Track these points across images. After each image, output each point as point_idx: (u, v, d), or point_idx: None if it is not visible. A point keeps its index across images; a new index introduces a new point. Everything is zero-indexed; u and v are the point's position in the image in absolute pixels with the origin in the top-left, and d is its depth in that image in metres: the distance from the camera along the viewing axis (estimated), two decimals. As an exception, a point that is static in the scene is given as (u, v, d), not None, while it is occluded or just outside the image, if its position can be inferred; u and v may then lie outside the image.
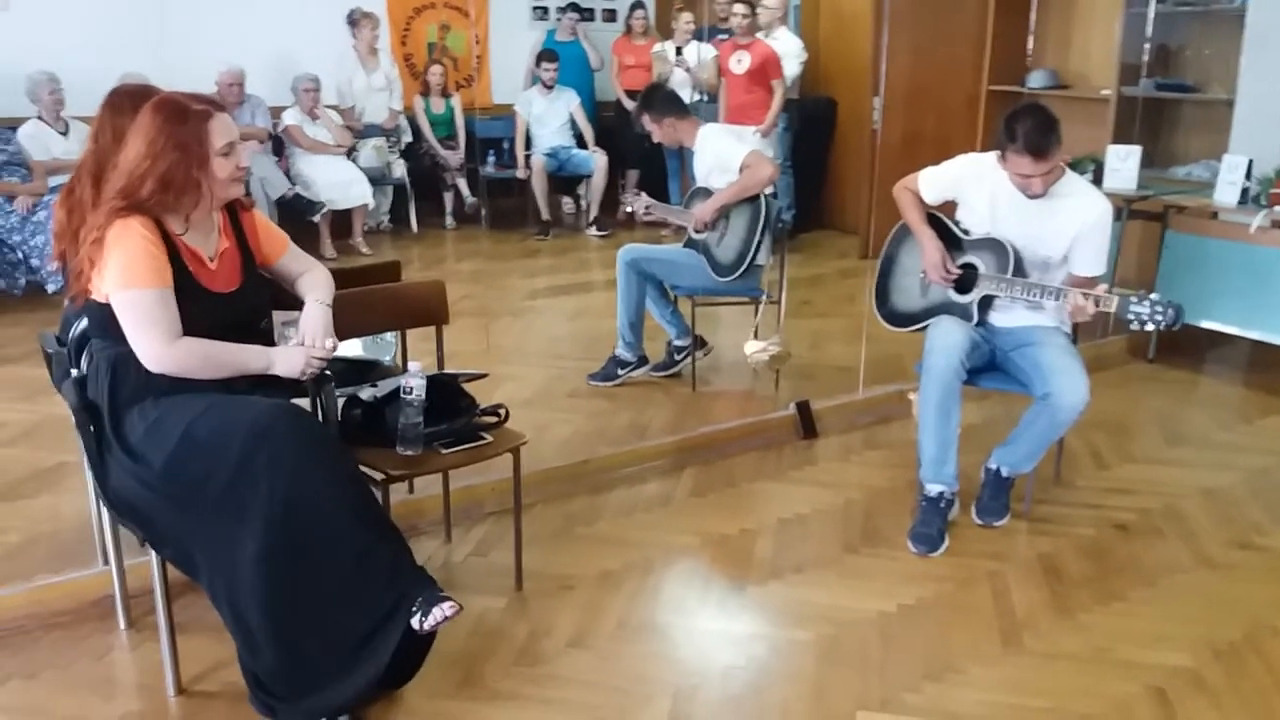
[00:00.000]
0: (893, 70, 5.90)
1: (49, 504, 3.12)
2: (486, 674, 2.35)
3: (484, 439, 2.55)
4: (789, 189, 6.77)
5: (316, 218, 6.17)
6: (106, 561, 2.55)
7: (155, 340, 2.10)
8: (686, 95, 6.46)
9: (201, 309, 2.18)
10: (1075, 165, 4.39)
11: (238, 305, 2.28)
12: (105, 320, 2.14)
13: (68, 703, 2.25)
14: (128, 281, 2.09)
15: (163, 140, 2.11)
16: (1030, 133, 2.78)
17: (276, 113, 6.43)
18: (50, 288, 4.92)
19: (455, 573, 2.78)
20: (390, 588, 2.10)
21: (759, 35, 6.41)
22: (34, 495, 3.18)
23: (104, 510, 2.40)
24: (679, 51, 7.01)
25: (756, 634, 2.54)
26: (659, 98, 4.16)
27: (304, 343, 2.28)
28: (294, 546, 2.03)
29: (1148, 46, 5.29)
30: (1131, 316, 2.74)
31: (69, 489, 3.15)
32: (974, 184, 3.08)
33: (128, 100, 2.44)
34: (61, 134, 5.29)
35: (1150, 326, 2.74)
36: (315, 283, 2.42)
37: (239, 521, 2.02)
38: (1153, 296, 2.73)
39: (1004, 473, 3.09)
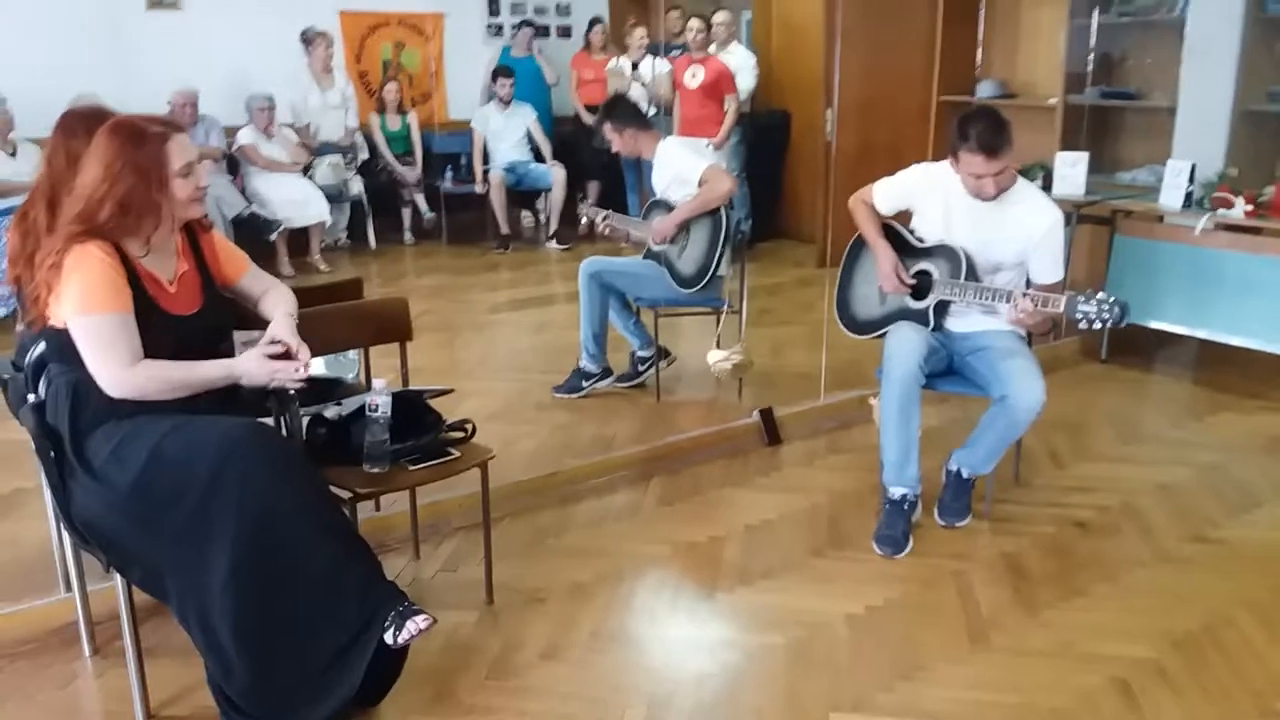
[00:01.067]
0: (845, 82, 5.98)
1: (7, 531, 3.06)
2: (460, 689, 2.34)
3: (451, 454, 2.55)
4: (745, 200, 6.84)
5: (274, 236, 6.12)
6: (69, 588, 2.51)
7: (114, 365, 2.08)
8: (642, 109, 6.51)
9: (162, 332, 2.16)
10: (1024, 172, 4.49)
11: (198, 327, 2.26)
12: (63, 345, 2.11)
13: (34, 732, 2.21)
14: (87, 307, 2.07)
15: (120, 163, 2.10)
16: (983, 132, 2.85)
17: (231, 132, 6.38)
18: (0, 311, 4.83)
19: (425, 589, 2.76)
20: (362, 604, 2.09)
21: (712, 50, 6.49)
22: (-9, 523, 3.13)
23: (65, 536, 2.37)
24: (635, 67, 7.06)
25: (728, 640, 2.55)
26: (621, 109, 4.20)
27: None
28: (265, 563, 2.01)
29: (1092, 56, 5.43)
30: (1080, 315, 2.81)
31: (26, 516, 3.09)
32: (927, 193, 3.14)
33: (81, 123, 2.42)
34: (10, 155, 5.21)
35: (1098, 325, 2.80)
36: (279, 300, 2.41)
37: (209, 540, 2.01)
38: (1099, 295, 2.80)
39: (964, 474, 3.14)
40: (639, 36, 7.13)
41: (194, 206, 2.22)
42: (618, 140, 4.15)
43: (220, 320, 2.34)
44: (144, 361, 2.11)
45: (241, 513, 2.00)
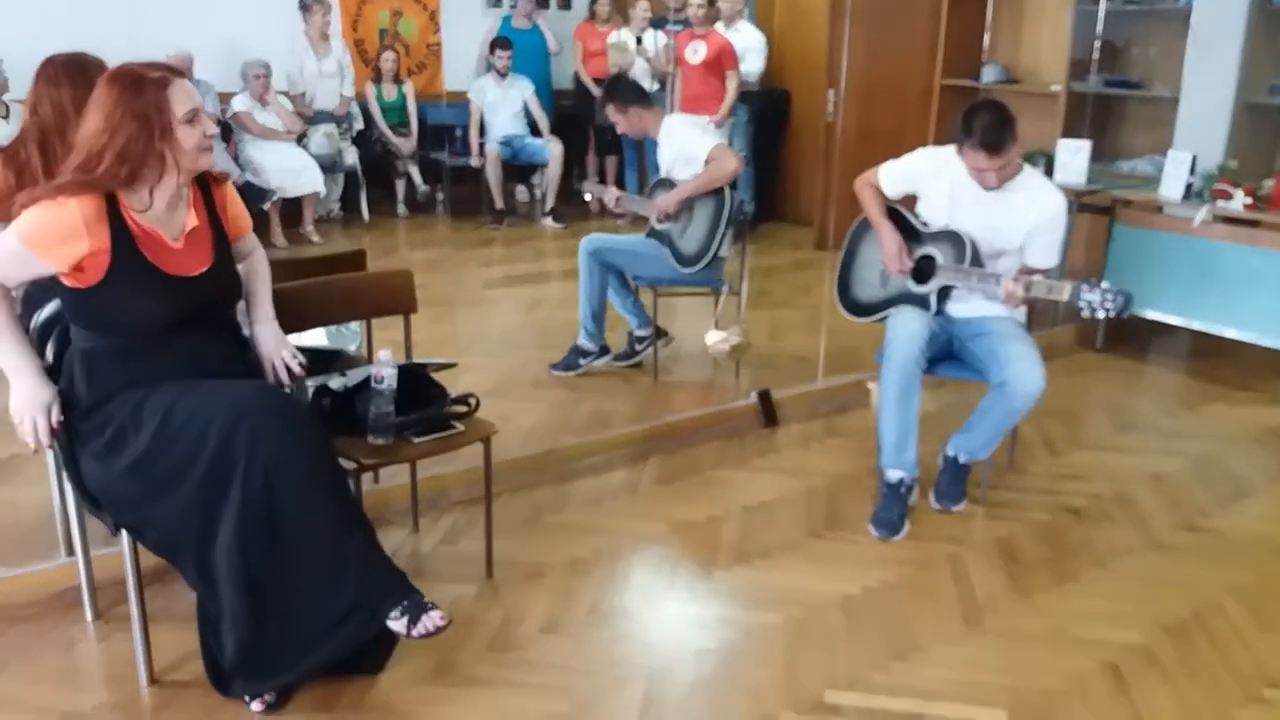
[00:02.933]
0: (848, 63, 5.98)
1: (5, 496, 3.05)
2: (461, 660, 2.36)
3: (455, 428, 2.56)
4: (750, 181, 6.82)
5: (267, 205, 6.09)
6: (70, 553, 2.52)
7: None
8: (646, 84, 6.49)
9: (156, 294, 2.09)
10: (1027, 159, 4.49)
11: (206, 288, 2.19)
12: (76, 305, 2.09)
13: (40, 694, 2.22)
14: (22, 231, 2.00)
15: (120, 112, 2.02)
16: (986, 129, 2.86)
17: (226, 99, 6.32)
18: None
19: (425, 561, 2.78)
20: (362, 579, 2.10)
21: (718, 27, 6.46)
22: (-12, 488, 3.12)
23: (68, 502, 2.37)
24: (639, 41, 7.02)
25: (726, 617, 2.58)
26: (623, 88, 4.18)
27: (273, 369, 2.31)
28: (271, 524, 2.03)
29: (1097, 44, 5.43)
30: (1083, 304, 2.84)
31: (26, 481, 3.09)
32: (933, 177, 3.15)
33: (62, 70, 2.42)
34: (3, 118, 5.15)
35: (1101, 314, 2.83)
36: (257, 288, 2.38)
37: (220, 498, 2.02)
38: (1104, 285, 2.82)
39: (961, 459, 3.16)
40: (641, 9, 7.09)
41: (203, 156, 2.13)
42: (622, 121, 4.12)
43: (231, 281, 2.29)
44: None
45: (250, 472, 2.01)
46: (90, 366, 2.11)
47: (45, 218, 2.01)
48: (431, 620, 2.09)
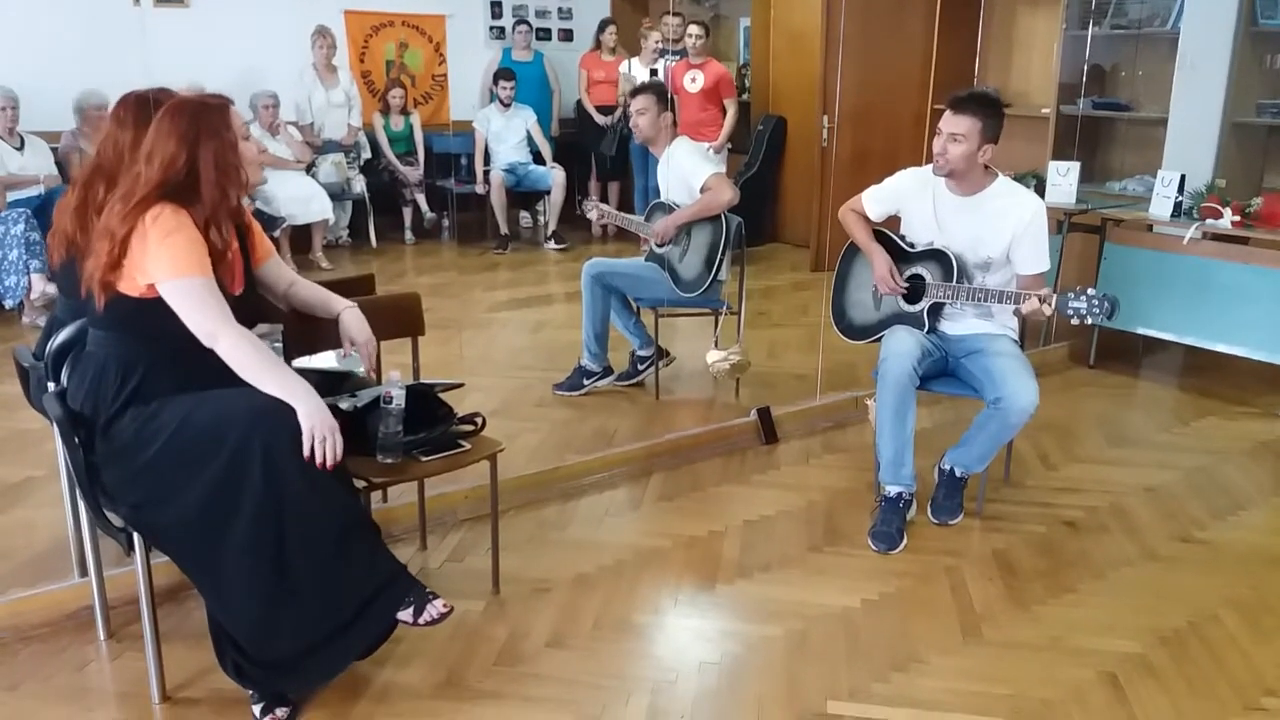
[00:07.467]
0: (842, 89, 6.08)
1: (20, 518, 3.10)
2: (468, 675, 2.40)
3: (462, 446, 2.61)
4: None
5: (276, 233, 6.18)
6: (84, 574, 2.56)
7: (221, 319, 2.11)
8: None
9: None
10: (1018, 180, 4.59)
11: (242, 310, 2.25)
12: (136, 311, 2.12)
13: (53, 713, 2.26)
14: (186, 269, 2.09)
15: (195, 131, 2.14)
16: (958, 94, 3.05)
17: (234, 129, 6.42)
18: (8, 303, 4.86)
19: (433, 578, 2.82)
20: (372, 576, 2.17)
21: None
22: (3, 510, 3.16)
23: (82, 523, 2.42)
24: (653, 73, 7.13)
25: (728, 630, 2.62)
26: (665, 93, 4.23)
27: (355, 345, 2.46)
28: (281, 531, 2.08)
29: (1085, 67, 5.53)
30: (1071, 312, 2.91)
31: (39, 503, 3.14)
32: (916, 195, 3.22)
33: (131, 111, 2.37)
34: (17, 149, 5.23)
35: (1090, 320, 2.90)
36: (323, 290, 2.52)
37: (234, 507, 2.07)
38: (1089, 291, 2.90)
39: (957, 473, 3.22)
40: (654, 41, 7.20)
41: (257, 170, 2.32)
42: (650, 114, 4.11)
43: (254, 308, 2.37)
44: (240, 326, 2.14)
45: (265, 480, 2.05)
46: (130, 371, 2.14)
47: (185, 241, 2.09)
48: (435, 608, 2.17)
